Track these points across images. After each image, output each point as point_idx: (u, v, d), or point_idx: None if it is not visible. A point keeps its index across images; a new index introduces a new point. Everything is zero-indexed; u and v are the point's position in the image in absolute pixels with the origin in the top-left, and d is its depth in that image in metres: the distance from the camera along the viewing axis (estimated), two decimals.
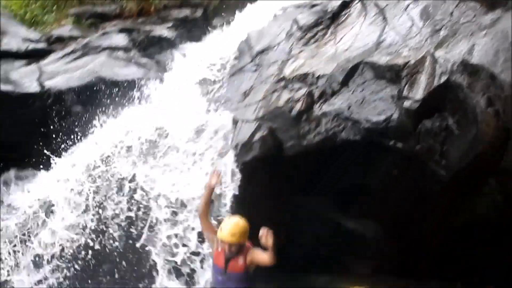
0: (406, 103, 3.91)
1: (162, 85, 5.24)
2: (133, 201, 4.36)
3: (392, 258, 4.31)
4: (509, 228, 3.65)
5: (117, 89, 5.23)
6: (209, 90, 4.99)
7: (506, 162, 3.57)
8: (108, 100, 5.11)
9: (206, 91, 4.99)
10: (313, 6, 5.10)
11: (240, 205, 4.32)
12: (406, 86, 3.94)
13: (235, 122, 4.58)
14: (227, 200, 4.37)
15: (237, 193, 4.34)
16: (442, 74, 3.81)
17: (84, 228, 4.39)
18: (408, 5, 4.39)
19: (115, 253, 4.35)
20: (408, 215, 4.12)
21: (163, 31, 5.91)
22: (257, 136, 4.44)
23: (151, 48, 5.77)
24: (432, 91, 3.82)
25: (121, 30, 6.06)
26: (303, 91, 4.40)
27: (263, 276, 4.24)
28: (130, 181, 4.42)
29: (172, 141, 4.61)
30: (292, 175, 4.42)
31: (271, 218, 4.39)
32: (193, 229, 4.24)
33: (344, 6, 4.90)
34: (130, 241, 4.36)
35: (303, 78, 4.47)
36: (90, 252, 4.38)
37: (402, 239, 4.23)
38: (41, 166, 4.76)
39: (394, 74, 4.02)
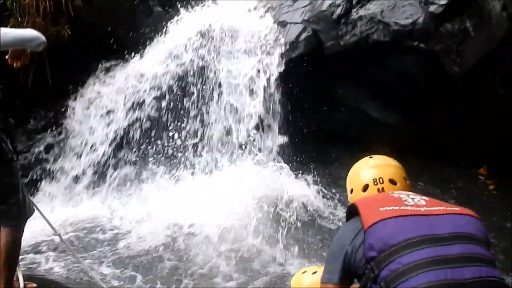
0: (431, 8, 4.11)
1: None
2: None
3: (409, 141, 4.65)
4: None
5: None
6: None
7: (510, 59, 3.71)
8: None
9: None
10: None
11: (286, 93, 4.81)
12: None
13: (284, 24, 4.94)
14: (276, 91, 4.87)
15: (283, 84, 4.79)
16: None
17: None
18: None
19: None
20: (425, 107, 4.41)
21: None
22: (303, 36, 4.81)
23: None
24: None
25: None
26: None
27: (303, 148, 4.80)
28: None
29: (231, 38, 5.08)
30: (330, 71, 4.78)
31: (310, 106, 4.90)
32: None
33: None
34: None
35: None
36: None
37: (419, 126, 4.55)
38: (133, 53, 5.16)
39: None
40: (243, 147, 4.59)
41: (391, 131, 4.56)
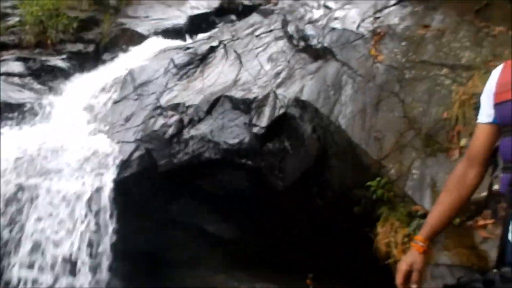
0: (255, 129, 4.36)
1: (53, 108, 5.29)
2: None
3: (247, 256, 4.70)
4: (327, 225, 4.22)
5: (10, 111, 5.17)
6: (94, 114, 5.15)
7: (324, 175, 4.14)
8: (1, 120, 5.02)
9: (92, 115, 5.14)
10: (187, 48, 5.50)
11: (118, 215, 4.50)
12: (255, 116, 4.38)
13: (116, 143, 4.77)
14: (107, 213, 4.52)
15: (115, 205, 4.51)
16: (281, 107, 4.29)
17: None
18: (258, 53, 4.93)
19: None
20: (255, 219, 4.56)
21: (57, 61, 5.92)
22: (135, 155, 4.67)
23: (45, 76, 5.75)
24: (273, 120, 4.27)
25: (18, 59, 5.96)
26: (175, 117, 4.72)
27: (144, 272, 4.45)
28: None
29: (58, 158, 4.69)
30: (164, 188, 4.69)
31: (144, 225, 4.66)
32: None
33: (211, 50, 5.35)
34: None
35: (175, 107, 4.80)
36: None
37: (254, 239, 4.66)
38: None
39: (247, 106, 4.46)
40: None
41: (228, 247, 4.57)
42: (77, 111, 5.25)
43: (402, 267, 1.73)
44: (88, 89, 5.48)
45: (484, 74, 3.33)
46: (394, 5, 4.70)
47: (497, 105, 1.60)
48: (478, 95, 3.26)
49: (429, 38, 4.06)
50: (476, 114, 3.12)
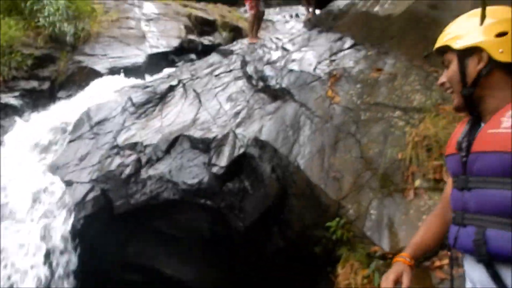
0: (214, 169, 4.32)
1: (2, 147, 5.05)
2: None
3: None
4: (288, 265, 4.16)
5: None
6: (47, 154, 4.94)
7: (284, 215, 4.11)
8: None
9: (44, 155, 4.93)
10: (146, 87, 5.46)
11: (71, 258, 4.26)
12: (214, 155, 4.36)
13: (70, 183, 4.58)
14: (59, 257, 4.28)
15: (68, 249, 4.28)
16: (241, 147, 4.28)
17: None
18: (217, 92, 4.96)
19: None
20: (215, 260, 4.45)
21: (9, 99, 5.69)
22: (90, 196, 4.49)
23: None
24: (233, 160, 4.25)
25: None
26: (133, 157, 4.61)
27: None
28: None
29: (9, 200, 4.44)
30: (121, 230, 4.51)
31: (100, 269, 4.43)
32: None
33: (170, 89, 5.34)
34: None
35: (133, 146, 4.70)
36: None
37: (216, 279, 4.52)
38: None
39: (206, 146, 4.43)
40: None
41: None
42: (28, 150, 5.02)
43: (390, 276, 1.59)
44: (41, 127, 5.28)
45: (435, 117, 3.47)
46: (348, 48, 4.88)
47: (445, 157, 1.65)
48: (429, 137, 3.40)
49: (382, 81, 4.20)
50: (428, 156, 3.22)
